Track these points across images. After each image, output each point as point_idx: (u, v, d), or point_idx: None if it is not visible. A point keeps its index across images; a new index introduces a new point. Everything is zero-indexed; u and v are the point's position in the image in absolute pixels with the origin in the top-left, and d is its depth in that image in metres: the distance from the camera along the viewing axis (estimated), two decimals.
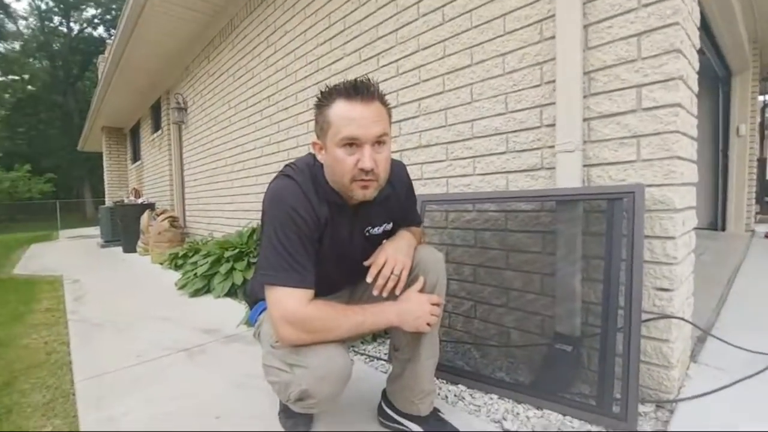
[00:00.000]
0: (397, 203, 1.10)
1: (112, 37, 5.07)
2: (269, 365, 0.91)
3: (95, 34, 25.87)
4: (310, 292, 0.88)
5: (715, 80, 4.45)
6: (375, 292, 0.97)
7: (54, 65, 24.40)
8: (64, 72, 24.28)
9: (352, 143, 0.87)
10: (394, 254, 1.00)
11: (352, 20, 2.25)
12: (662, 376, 1.20)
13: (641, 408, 1.18)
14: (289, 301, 0.85)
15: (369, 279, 0.98)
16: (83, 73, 24.94)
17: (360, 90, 0.87)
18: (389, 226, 1.11)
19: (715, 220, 4.66)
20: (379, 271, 0.97)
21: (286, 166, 0.99)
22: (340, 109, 0.87)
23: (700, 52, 1.35)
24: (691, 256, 1.36)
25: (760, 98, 4.70)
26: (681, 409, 1.15)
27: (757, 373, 1.32)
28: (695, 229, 1.40)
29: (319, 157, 0.96)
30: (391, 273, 0.97)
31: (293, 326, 0.85)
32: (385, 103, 0.92)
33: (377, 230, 1.08)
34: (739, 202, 4.48)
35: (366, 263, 1.01)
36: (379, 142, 0.89)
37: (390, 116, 0.95)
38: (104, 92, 6.49)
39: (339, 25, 2.35)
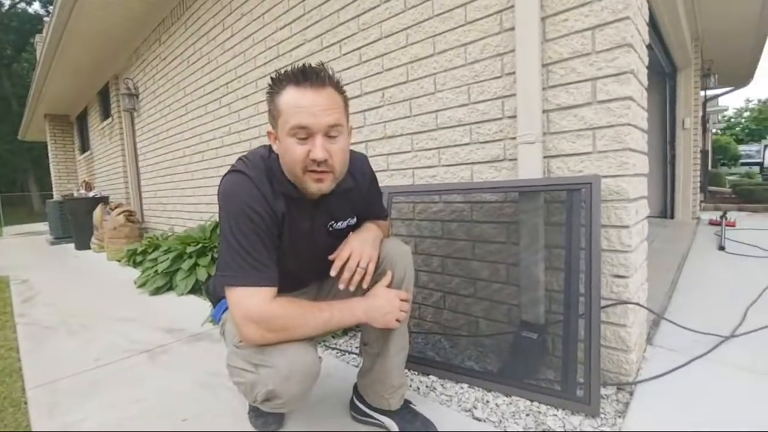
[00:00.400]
0: (359, 196, 1.08)
1: (50, 14, 4.63)
2: (233, 366, 0.89)
3: (30, 10, 23.62)
4: (273, 290, 0.86)
5: (662, 75, 4.69)
6: (341, 286, 0.96)
7: None
8: None
9: (302, 132, 0.84)
10: (360, 247, 0.99)
11: (312, 4, 2.17)
12: (621, 359, 1.27)
13: (603, 391, 1.25)
14: (250, 300, 0.83)
15: (333, 273, 0.96)
16: (19, 54, 22.78)
17: (309, 76, 0.83)
18: (353, 221, 1.10)
19: (664, 208, 4.96)
20: (344, 265, 0.96)
21: (238, 159, 0.95)
22: (289, 96, 0.84)
23: (649, 47, 1.40)
24: (644, 243, 1.44)
25: (702, 93, 5.00)
26: (640, 390, 1.23)
27: (707, 353, 1.44)
28: (647, 217, 1.48)
29: (274, 147, 0.92)
30: (357, 266, 0.95)
31: (257, 325, 0.82)
32: (339, 90, 0.89)
33: (341, 225, 1.06)
34: (685, 192, 4.79)
35: (330, 257, 0.99)
36: (332, 131, 0.85)
37: (346, 103, 0.91)
38: (44, 76, 5.97)
39: (299, 9, 2.26)
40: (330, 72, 0.87)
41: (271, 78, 0.88)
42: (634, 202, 1.26)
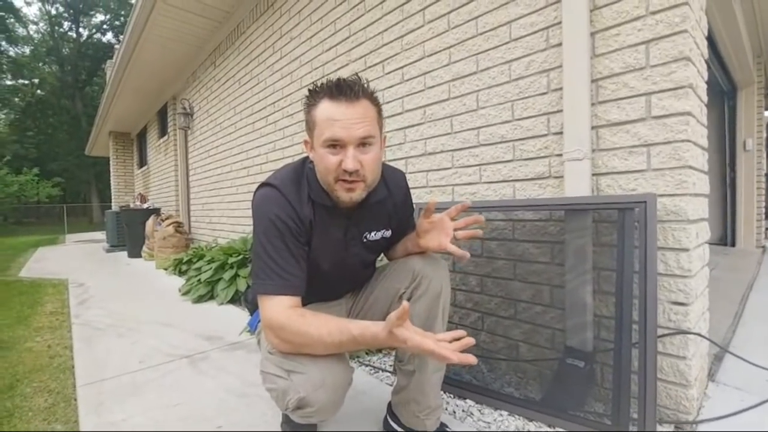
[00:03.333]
0: (393, 208, 1.08)
1: (120, 43, 5.12)
2: (266, 371, 0.89)
3: (104, 39, 26.28)
4: (292, 298, 0.86)
5: (720, 94, 4.43)
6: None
7: (63, 70, 24.76)
8: (72, 77, 24.62)
9: (335, 144, 0.86)
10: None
11: (358, 27, 2.25)
12: (680, 395, 1.16)
13: (659, 428, 1.14)
14: (269, 307, 0.85)
15: None
16: (91, 78, 25.29)
17: (343, 90, 0.85)
18: (388, 233, 1.09)
19: (724, 235, 4.61)
20: None
21: (271, 174, 0.98)
22: (324, 109, 0.86)
23: (706, 63, 1.33)
24: (706, 269, 1.33)
25: (766, 113, 4.66)
26: (702, 431, 1.12)
27: None
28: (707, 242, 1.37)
29: (310, 155, 0.95)
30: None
31: (272, 331, 0.84)
32: (373, 101, 0.91)
33: (375, 236, 1.06)
34: (748, 218, 4.43)
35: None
36: (364, 143, 0.87)
37: (380, 114, 0.93)
38: (111, 97, 6.56)
39: (344, 31, 2.35)
40: (365, 84, 0.89)
41: (309, 90, 0.91)
42: (695, 224, 1.17)
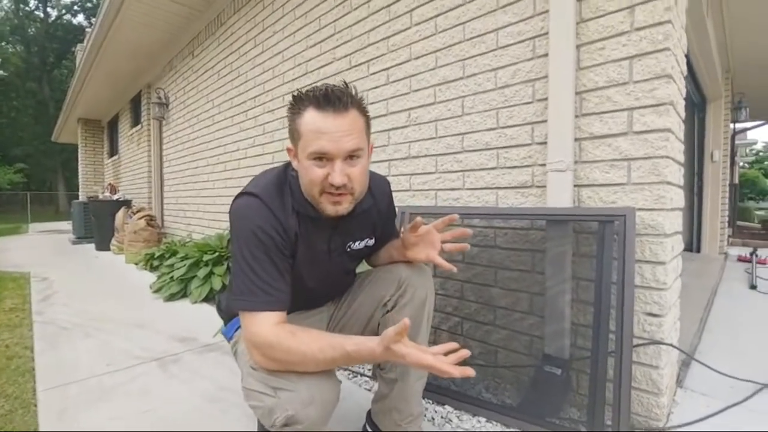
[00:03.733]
0: (378, 216, 1.06)
1: (92, 26, 4.87)
2: (250, 389, 0.85)
3: (74, 21, 25.07)
4: (279, 314, 0.83)
5: (692, 106, 4.62)
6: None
7: (29, 51, 23.44)
8: (39, 59, 23.34)
9: (322, 157, 0.82)
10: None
11: (343, 25, 2.21)
12: (652, 402, 1.20)
13: None
14: (255, 325, 0.80)
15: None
16: (60, 62, 24.07)
17: (331, 100, 0.80)
18: (371, 241, 1.07)
19: (690, 241, 4.81)
20: None
21: (251, 181, 0.93)
22: (310, 119, 0.81)
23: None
24: (679, 281, 1.37)
25: (731, 126, 4.89)
26: None
27: (745, 400, 1.34)
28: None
29: (294, 164, 0.90)
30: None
31: (259, 350, 0.80)
32: (362, 111, 0.87)
33: (359, 245, 1.03)
34: (713, 225, 4.64)
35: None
36: (352, 156, 0.83)
37: (368, 124, 0.89)
38: (81, 82, 6.25)
39: (329, 29, 2.31)
40: (353, 92, 0.85)
41: (293, 96, 0.86)
42: (670, 237, 1.21)
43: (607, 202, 1.25)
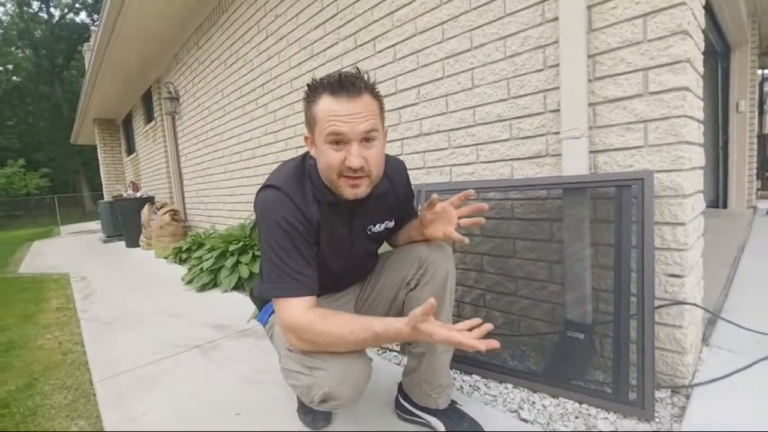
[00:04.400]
0: (395, 199, 1.09)
1: (96, 23, 4.90)
2: (288, 369, 0.92)
3: (77, 19, 25.17)
4: (309, 299, 0.88)
5: (714, 56, 4.37)
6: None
7: (38, 54, 23.79)
8: (48, 61, 23.69)
9: (338, 140, 0.85)
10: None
11: (345, 2, 2.17)
12: (676, 361, 1.22)
13: (657, 394, 1.20)
14: (288, 310, 0.86)
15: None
16: (69, 62, 24.36)
17: (345, 85, 0.83)
18: (391, 224, 1.11)
19: (716, 197, 4.65)
20: None
21: (271, 174, 0.97)
22: (325, 105, 0.85)
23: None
24: (701, 240, 1.36)
25: (759, 72, 4.60)
26: (697, 394, 1.17)
27: None
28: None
29: (312, 151, 0.94)
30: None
31: (293, 333, 0.86)
32: (375, 95, 0.89)
33: (379, 227, 1.07)
34: (740, 180, 4.47)
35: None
36: (367, 138, 0.86)
37: (382, 108, 0.92)
38: (92, 83, 6.35)
39: (332, 8, 2.27)
40: (366, 77, 0.87)
41: (308, 85, 0.89)
42: (690, 198, 1.19)
43: (624, 167, 1.24)
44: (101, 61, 5.33)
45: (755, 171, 4.64)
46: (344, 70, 0.87)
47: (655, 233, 1.19)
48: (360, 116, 0.84)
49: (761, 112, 5.70)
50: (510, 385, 1.33)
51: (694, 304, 1.24)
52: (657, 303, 1.20)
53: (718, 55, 4.38)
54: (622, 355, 1.17)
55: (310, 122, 0.90)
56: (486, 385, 1.35)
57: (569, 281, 1.35)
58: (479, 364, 1.44)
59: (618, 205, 1.23)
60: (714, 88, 4.51)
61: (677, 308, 1.20)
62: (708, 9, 3.20)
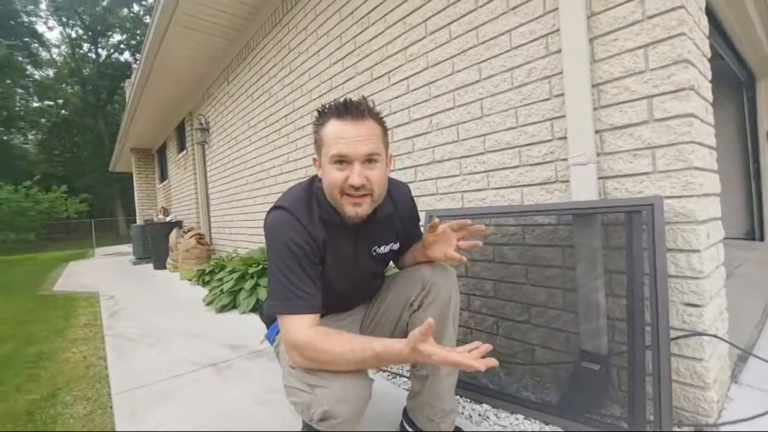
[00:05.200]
0: (400, 223, 1.13)
1: (137, 62, 5.33)
2: (290, 386, 0.94)
3: (121, 58, 27.31)
4: (313, 317, 0.90)
5: (738, 85, 4.30)
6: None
7: (85, 90, 25.83)
8: (94, 96, 25.66)
9: (342, 160, 0.90)
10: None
11: (362, 40, 2.30)
12: (699, 397, 1.16)
13: (677, 430, 1.15)
14: (292, 327, 0.89)
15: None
16: (112, 97, 26.28)
17: (350, 110, 0.91)
18: (396, 246, 1.14)
19: (752, 229, 4.43)
20: None
21: (281, 196, 1.03)
22: (331, 128, 0.92)
23: (719, 57, 1.32)
24: (721, 269, 1.32)
25: None
26: None
27: None
28: (730, 239, 1.36)
29: (318, 173, 1.00)
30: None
31: (296, 350, 0.88)
32: (378, 120, 0.95)
33: (384, 249, 1.10)
34: None
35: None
36: (370, 159, 0.91)
37: (385, 133, 0.98)
38: (132, 115, 6.82)
39: (350, 45, 2.41)
40: (370, 104, 0.94)
41: (317, 111, 0.97)
42: (705, 224, 1.17)
43: (633, 192, 1.24)
44: (141, 94, 5.74)
45: None
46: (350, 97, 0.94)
47: (669, 260, 1.17)
48: (363, 138, 0.90)
49: None
50: (521, 416, 1.29)
51: (715, 335, 1.19)
52: (674, 334, 1.17)
53: (742, 85, 4.31)
54: (638, 387, 1.12)
55: (318, 144, 0.97)
56: (496, 415, 1.32)
57: (583, 309, 1.32)
58: (490, 393, 1.41)
59: (629, 232, 1.22)
60: (741, 117, 4.41)
61: (696, 340, 1.16)
62: (726, 39, 3.19)
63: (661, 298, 1.11)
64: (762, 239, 4.35)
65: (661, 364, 1.08)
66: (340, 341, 0.86)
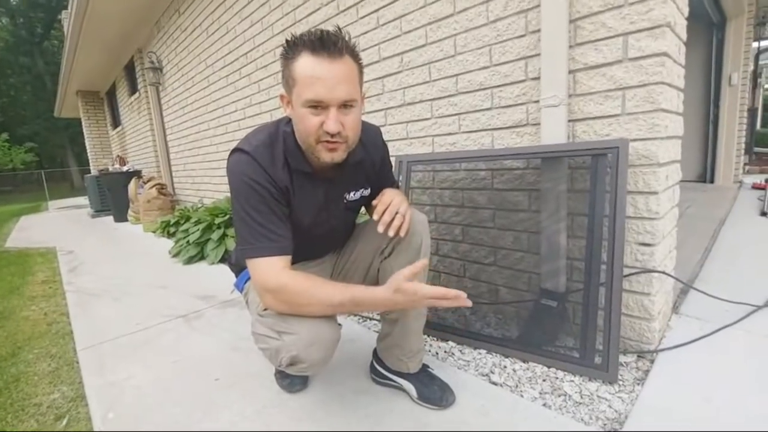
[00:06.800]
0: (372, 168, 1.08)
1: None
2: (258, 333, 0.93)
3: None
4: (285, 258, 0.88)
5: (710, 26, 4.26)
6: (380, 229, 0.94)
7: (15, 23, 22.80)
8: (27, 30, 22.72)
9: (317, 105, 0.82)
10: (398, 196, 1.01)
11: None
12: (643, 327, 1.25)
13: (623, 358, 1.24)
14: (263, 270, 0.86)
15: (375, 216, 0.95)
16: (48, 32, 23.39)
17: (326, 45, 0.80)
18: (367, 191, 1.10)
19: (704, 172, 4.66)
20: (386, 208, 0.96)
21: (243, 138, 0.95)
22: (305, 64, 0.81)
23: None
24: (675, 210, 1.38)
25: (754, 44, 4.50)
26: (661, 359, 1.22)
27: (737, 322, 1.38)
28: (683, 181, 1.40)
29: (287, 111, 0.91)
30: (397, 212, 0.96)
31: (270, 294, 0.86)
32: (355, 58, 0.86)
33: (355, 195, 1.07)
34: (728, 154, 4.46)
35: (373, 202, 1.01)
36: (346, 104, 0.84)
37: (361, 72, 0.89)
38: (72, 52, 6.10)
39: None
40: (347, 38, 0.84)
41: (287, 41, 0.84)
42: (665, 167, 1.20)
43: (601, 135, 1.24)
44: (80, 27, 5.10)
45: (744, 145, 4.65)
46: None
47: (629, 202, 1.20)
48: (341, 81, 0.81)
49: (755, 86, 5.65)
50: (483, 351, 1.37)
51: (663, 272, 1.27)
52: (626, 271, 1.23)
53: (713, 26, 4.29)
54: (590, 321, 1.20)
55: (288, 81, 0.86)
56: (460, 351, 1.39)
57: (545, 251, 1.37)
58: (455, 331, 1.47)
59: (593, 174, 1.23)
60: (708, 60, 4.44)
61: (646, 276, 1.23)
62: None
63: (618, 238, 1.15)
64: (713, 181, 4.62)
65: (613, 299, 1.15)
66: (316, 284, 0.85)
